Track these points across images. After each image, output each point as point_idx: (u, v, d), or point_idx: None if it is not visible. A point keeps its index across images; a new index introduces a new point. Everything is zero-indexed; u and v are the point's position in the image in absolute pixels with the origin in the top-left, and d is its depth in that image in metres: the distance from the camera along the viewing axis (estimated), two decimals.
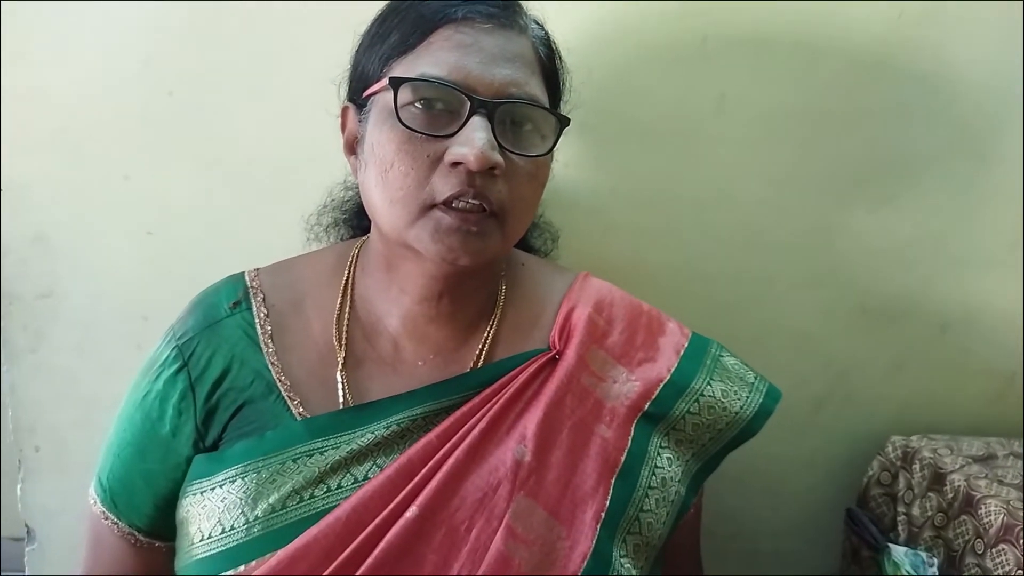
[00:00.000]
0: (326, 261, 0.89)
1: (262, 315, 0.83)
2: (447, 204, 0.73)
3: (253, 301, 0.84)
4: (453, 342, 0.84)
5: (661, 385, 0.84)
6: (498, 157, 0.73)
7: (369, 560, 0.71)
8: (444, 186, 0.73)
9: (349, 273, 0.86)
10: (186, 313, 0.85)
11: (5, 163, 1.10)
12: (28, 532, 1.18)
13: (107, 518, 0.83)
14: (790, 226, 1.14)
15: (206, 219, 1.11)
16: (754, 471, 1.15)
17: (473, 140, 0.71)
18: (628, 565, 0.78)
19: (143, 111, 1.09)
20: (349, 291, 0.86)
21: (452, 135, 0.73)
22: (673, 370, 0.85)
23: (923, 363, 1.18)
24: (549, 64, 0.82)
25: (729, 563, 1.13)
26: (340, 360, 0.82)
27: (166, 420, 0.81)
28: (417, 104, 0.74)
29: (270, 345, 0.82)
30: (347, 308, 0.85)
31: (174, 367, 0.81)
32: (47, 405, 1.15)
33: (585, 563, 0.75)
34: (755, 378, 0.89)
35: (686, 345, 0.88)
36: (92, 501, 0.84)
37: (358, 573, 0.71)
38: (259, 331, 0.82)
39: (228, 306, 0.84)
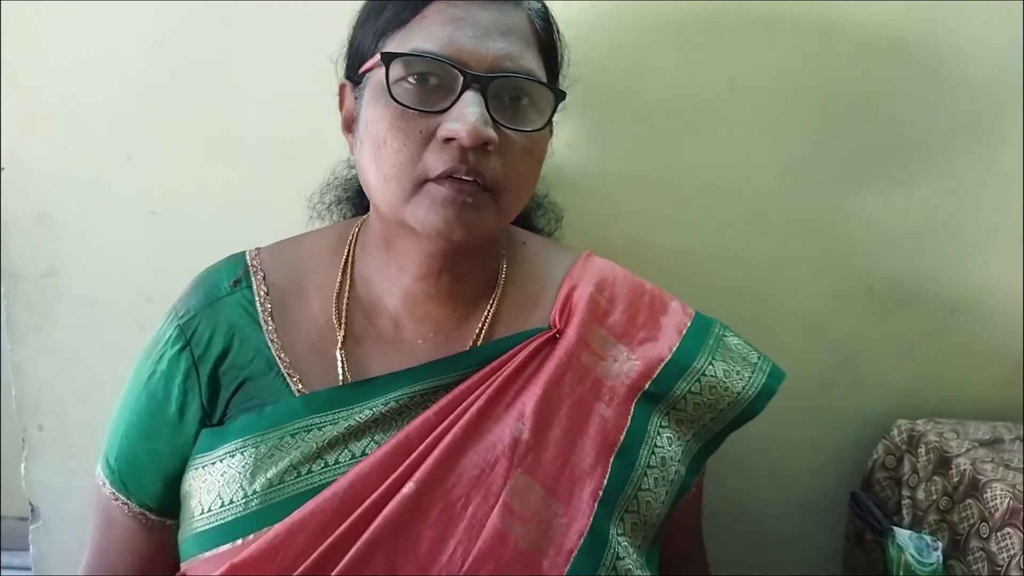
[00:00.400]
0: (327, 240, 0.89)
1: (262, 293, 0.83)
2: (441, 179, 0.72)
3: (253, 279, 0.84)
4: (453, 320, 0.83)
5: (662, 364, 0.84)
6: (491, 132, 0.72)
7: (365, 535, 0.71)
8: (437, 162, 0.72)
9: (349, 252, 0.86)
10: (187, 292, 0.85)
11: (8, 142, 1.10)
12: (32, 510, 1.19)
13: (117, 499, 0.83)
14: (799, 209, 1.13)
15: (209, 199, 1.11)
16: (759, 454, 1.15)
17: (465, 115, 0.71)
18: (625, 543, 0.78)
19: (146, 91, 1.09)
20: (349, 270, 0.85)
21: (445, 111, 0.72)
22: (675, 349, 0.85)
23: (931, 347, 1.17)
24: (546, 37, 0.81)
25: (733, 545, 1.13)
26: (339, 338, 0.82)
27: (172, 400, 0.81)
28: (410, 80, 0.73)
29: (270, 323, 0.82)
30: (347, 286, 0.84)
31: (177, 347, 0.81)
32: (51, 384, 1.16)
33: (582, 540, 0.74)
34: (759, 358, 0.89)
35: (689, 324, 0.87)
36: (101, 483, 0.84)
37: (354, 548, 0.71)
38: (259, 309, 0.82)
39: (228, 284, 0.84)
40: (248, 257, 0.86)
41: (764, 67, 1.08)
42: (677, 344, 0.85)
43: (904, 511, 1.04)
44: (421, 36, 0.73)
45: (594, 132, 1.10)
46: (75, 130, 1.10)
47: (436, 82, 0.73)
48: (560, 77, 0.85)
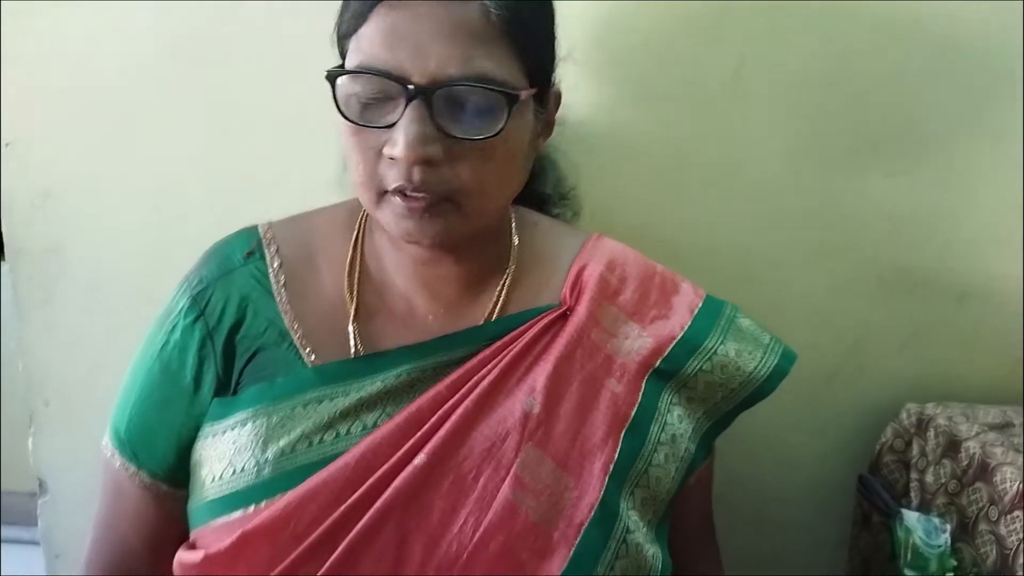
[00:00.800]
0: (338, 215, 0.88)
1: (275, 265, 0.83)
2: (396, 192, 0.72)
3: (267, 251, 0.84)
4: (464, 299, 0.83)
5: (674, 342, 0.83)
6: (429, 150, 0.69)
7: (377, 504, 0.71)
8: (388, 177, 0.71)
9: (359, 228, 0.86)
10: (200, 263, 0.85)
11: (12, 118, 1.10)
12: (40, 484, 1.19)
13: (128, 469, 0.83)
14: (807, 193, 1.12)
15: (215, 175, 1.10)
16: (765, 439, 1.14)
17: (402, 135, 0.68)
18: (635, 517, 0.78)
19: (151, 68, 1.08)
20: (360, 246, 0.85)
21: (393, 124, 0.70)
22: (686, 328, 0.85)
23: (939, 334, 1.17)
24: (508, 26, 0.71)
25: (739, 529, 1.12)
26: (351, 312, 0.82)
27: (187, 370, 0.81)
28: (359, 95, 0.71)
29: (283, 294, 0.82)
30: (358, 262, 0.84)
31: (191, 316, 0.81)
32: (57, 360, 1.16)
33: (592, 513, 0.74)
34: (770, 339, 0.89)
35: (700, 305, 0.87)
36: (109, 454, 0.84)
37: (366, 516, 0.71)
38: (272, 281, 0.82)
39: (242, 256, 0.84)
40: (261, 230, 0.86)
41: (772, 51, 1.07)
42: (689, 323, 0.85)
43: (912, 494, 1.04)
44: (368, 44, 0.71)
45: (599, 114, 1.10)
46: (79, 106, 1.09)
47: (384, 95, 0.71)
48: (547, 55, 0.79)
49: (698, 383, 0.84)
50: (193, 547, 0.78)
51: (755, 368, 0.86)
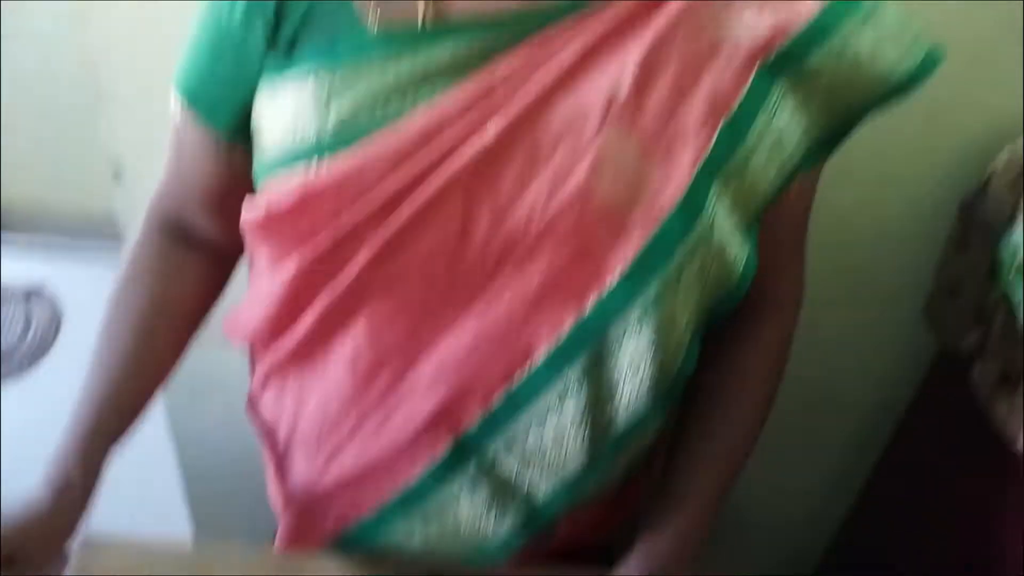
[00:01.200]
0: None
1: None
2: None
3: None
4: None
5: (797, 31, 0.71)
6: None
7: (442, 171, 0.68)
8: None
9: None
10: None
11: None
12: (115, 173, 1.21)
13: (189, 117, 0.81)
14: None
15: None
16: (867, 153, 1.05)
17: None
18: (723, 212, 0.72)
19: None
20: None
21: None
22: (814, 16, 0.71)
23: None
24: None
25: (825, 249, 1.07)
26: None
27: (235, 23, 0.75)
28: None
29: None
30: None
31: None
32: (122, 42, 1.12)
33: (675, 203, 0.69)
34: (915, 36, 0.74)
35: None
36: (175, 103, 0.82)
37: (430, 182, 0.68)
38: None
39: None
40: None
41: None
42: (818, 10, 0.71)
43: (1020, 217, 0.96)
44: None
45: None
46: None
47: None
48: None
49: (820, 79, 0.72)
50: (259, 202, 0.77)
51: (890, 68, 0.73)
